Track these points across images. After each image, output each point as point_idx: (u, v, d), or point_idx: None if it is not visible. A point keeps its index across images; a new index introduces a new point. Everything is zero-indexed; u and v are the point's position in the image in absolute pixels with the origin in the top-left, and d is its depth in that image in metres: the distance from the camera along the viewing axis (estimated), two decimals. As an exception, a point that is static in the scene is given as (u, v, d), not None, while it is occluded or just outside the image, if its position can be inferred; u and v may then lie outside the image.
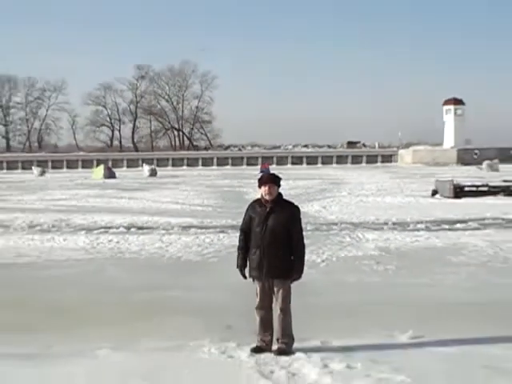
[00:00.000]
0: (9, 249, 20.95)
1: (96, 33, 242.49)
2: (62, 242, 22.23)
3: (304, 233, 10.04)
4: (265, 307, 9.77)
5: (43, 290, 15.01)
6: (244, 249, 9.94)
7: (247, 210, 10.09)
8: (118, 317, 12.21)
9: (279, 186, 9.92)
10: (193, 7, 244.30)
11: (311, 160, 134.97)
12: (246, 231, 9.96)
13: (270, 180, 9.89)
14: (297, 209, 9.96)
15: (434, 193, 39.63)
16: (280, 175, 10.47)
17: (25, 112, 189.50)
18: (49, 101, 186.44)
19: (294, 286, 9.80)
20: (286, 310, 9.63)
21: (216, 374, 8.71)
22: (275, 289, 9.71)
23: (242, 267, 9.94)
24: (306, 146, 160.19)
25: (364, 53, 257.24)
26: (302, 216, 10.13)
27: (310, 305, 11.46)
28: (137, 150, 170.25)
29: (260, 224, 9.75)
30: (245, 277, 9.93)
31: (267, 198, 9.78)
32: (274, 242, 9.63)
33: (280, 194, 9.92)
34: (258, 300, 9.82)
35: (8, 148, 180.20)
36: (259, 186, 9.94)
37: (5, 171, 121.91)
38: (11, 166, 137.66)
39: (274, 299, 9.74)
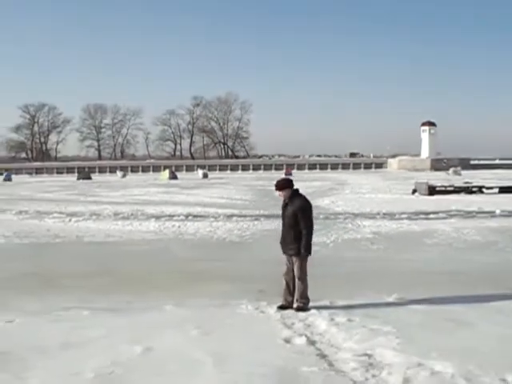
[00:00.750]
0: (100, 231, 21.13)
1: (163, 70, 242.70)
2: (138, 227, 22.38)
3: (316, 220, 10.14)
4: (289, 274, 9.87)
5: (125, 261, 15.18)
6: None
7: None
8: (178, 282, 12.32)
9: (286, 190, 10.01)
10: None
11: (322, 166, 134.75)
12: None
13: (277, 187, 10.15)
14: (304, 201, 9.98)
15: (414, 191, 39.54)
16: (292, 178, 10.62)
17: (111, 131, 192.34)
18: (129, 122, 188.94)
19: (310, 259, 9.86)
20: (302, 278, 9.71)
21: (251, 324, 8.82)
22: (293, 261, 9.81)
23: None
24: (318, 155, 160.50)
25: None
26: (314, 207, 10.22)
27: (321, 274, 11.46)
28: (193, 158, 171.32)
29: (282, 213, 9.98)
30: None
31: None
32: (288, 226, 9.81)
33: (295, 191, 10.02)
34: (285, 268, 9.94)
35: (99, 157, 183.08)
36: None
37: (97, 174, 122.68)
38: (101, 170, 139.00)
39: (293, 269, 9.84)
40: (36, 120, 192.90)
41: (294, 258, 9.83)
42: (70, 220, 24.94)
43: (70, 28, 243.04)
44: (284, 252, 9.98)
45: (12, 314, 9.39)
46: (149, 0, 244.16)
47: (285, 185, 10.07)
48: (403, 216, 24.91)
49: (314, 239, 10.17)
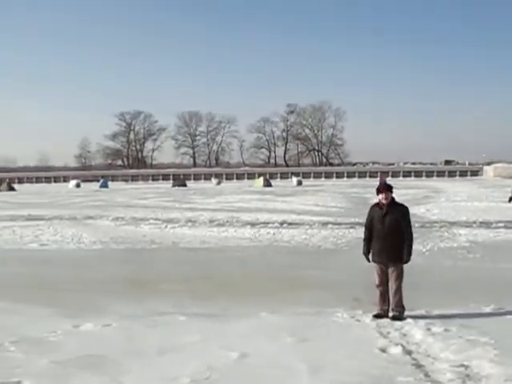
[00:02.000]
0: (196, 237, 21.35)
1: (257, 78, 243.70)
2: (233, 233, 22.51)
3: (412, 228, 9.96)
4: (382, 284, 9.74)
5: (220, 267, 15.29)
6: (368, 240, 9.93)
7: (369, 211, 10.10)
8: (273, 289, 12.32)
9: (392, 192, 9.86)
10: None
11: (417, 174, 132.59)
12: (368, 227, 9.96)
13: (385, 188, 9.88)
14: (406, 208, 9.89)
15: (511, 199, 38.51)
16: (392, 185, 10.44)
17: (206, 138, 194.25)
18: (223, 130, 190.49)
19: (405, 268, 9.72)
20: (398, 287, 9.58)
21: (347, 332, 8.70)
22: (390, 270, 9.67)
23: (366, 253, 9.96)
24: (413, 163, 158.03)
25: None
26: (410, 215, 10.06)
27: (417, 282, 11.29)
28: (287, 165, 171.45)
29: (379, 222, 9.74)
30: (368, 260, 9.95)
31: (384, 202, 9.78)
32: (390, 235, 9.60)
33: (393, 198, 9.89)
34: (377, 279, 9.81)
35: (194, 164, 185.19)
36: (377, 193, 9.95)
37: (192, 181, 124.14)
38: (196, 177, 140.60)
39: (390, 278, 9.72)
40: (132, 128, 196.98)
41: (393, 268, 9.70)
42: (166, 226, 25.33)
43: (168, 39, 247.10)
44: (379, 261, 9.85)
45: (109, 318, 9.59)
46: (219, 12, 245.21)
47: (390, 187, 9.99)
48: (500, 225, 24.23)
49: (410, 247, 10.04)
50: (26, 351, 7.85)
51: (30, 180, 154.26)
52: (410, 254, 9.65)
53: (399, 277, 9.66)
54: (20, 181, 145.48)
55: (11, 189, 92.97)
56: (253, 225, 25.40)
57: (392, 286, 9.68)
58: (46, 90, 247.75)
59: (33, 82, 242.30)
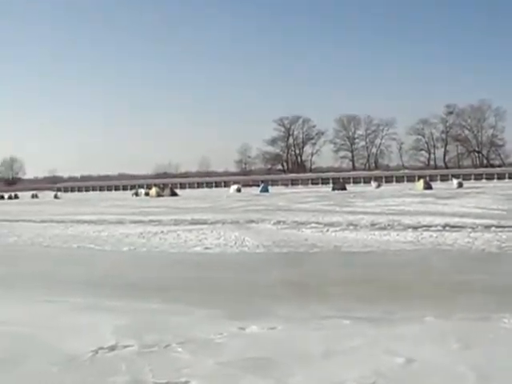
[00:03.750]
0: (357, 241, 21.16)
1: (414, 78, 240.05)
2: (395, 237, 22.13)
3: None
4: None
5: (382, 271, 15.08)
6: None
7: None
8: (437, 293, 11.97)
9: None
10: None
11: None
12: None
13: None
14: None
15: None
16: None
17: (365, 141, 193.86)
18: (382, 133, 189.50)
19: None
20: None
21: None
22: None
23: None
24: None
25: None
26: None
27: None
28: (447, 167, 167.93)
29: None
30: None
31: None
32: None
33: None
34: None
35: (353, 168, 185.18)
36: None
37: (351, 184, 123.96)
38: (356, 180, 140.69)
39: None
40: (291, 132, 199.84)
41: None
42: (327, 230, 25.28)
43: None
44: None
45: (274, 321, 9.63)
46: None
47: None
48: None
49: None
50: (192, 352, 8.01)
51: (191, 185, 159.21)
52: None
53: None
54: (182, 186, 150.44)
55: (174, 194, 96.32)
56: (414, 228, 24.86)
57: None
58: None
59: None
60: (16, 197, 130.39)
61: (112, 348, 8.24)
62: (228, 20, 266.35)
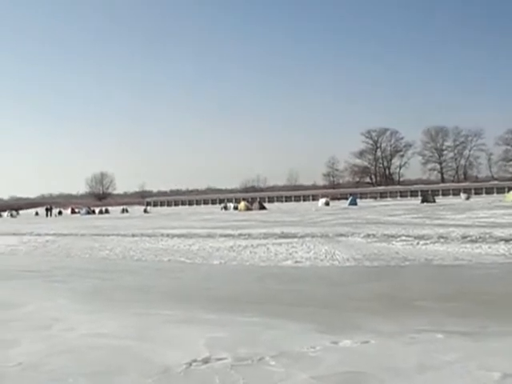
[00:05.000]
0: (448, 254, 20.74)
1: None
2: (487, 249, 21.60)
3: None
4: None
5: (475, 284, 14.72)
6: None
7: None
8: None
9: None
10: None
11: None
12: None
13: None
14: None
15: None
16: None
17: (453, 153, 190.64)
18: (471, 144, 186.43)
19: None
20: None
21: None
22: None
23: None
24: None
25: None
26: None
27: None
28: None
29: None
30: None
31: None
32: None
33: None
34: None
35: (442, 180, 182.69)
36: None
37: (440, 197, 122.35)
38: (445, 192, 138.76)
39: None
40: (379, 145, 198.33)
41: None
42: (417, 243, 24.90)
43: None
44: None
45: (367, 335, 9.56)
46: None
47: None
48: None
49: None
50: (286, 366, 8.03)
51: (279, 199, 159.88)
52: None
53: None
54: (270, 200, 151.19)
55: (262, 207, 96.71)
56: (507, 241, 24.19)
57: None
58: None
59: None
60: (107, 211, 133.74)
61: (205, 360, 8.34)
62: (328, 36, 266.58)
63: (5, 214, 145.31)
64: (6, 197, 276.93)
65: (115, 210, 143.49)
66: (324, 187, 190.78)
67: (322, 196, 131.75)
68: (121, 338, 9.99)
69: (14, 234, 44.95)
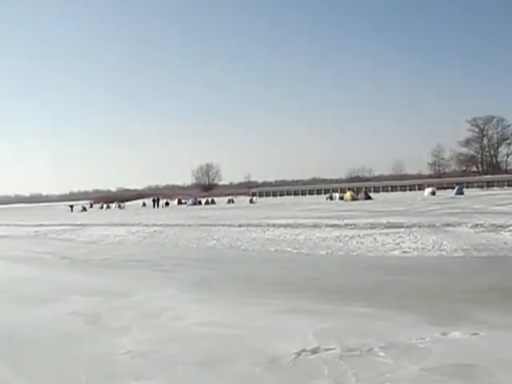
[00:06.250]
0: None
1: None
2: None
3: None
4: None
5: None
6: None
7: None
8: None
9: None
10: None
11: None
12: None
13: None
14: None
15: None
16: None
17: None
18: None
19: None
20: None
21: None
22: None
23: None
24: None
25: None
26: None
27: None
28: None
29: None
30: None
31: None
32: None
33: None
34: None
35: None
36: None
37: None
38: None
39: None
40: (485, 133, 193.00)
41: None
42: (526, 233, 24.29)
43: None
44: None
45: (476, 327, 9.45)
46: None
47: None
48: None
49: None
50: (395, 357, 8.05)
51: (385, 189, 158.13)
52: None
53: None
54: (375, 190, 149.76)
55: (368, 197, 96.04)
56: None
57: None
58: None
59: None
60: (213, 202, 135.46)
61: (314, 351, 8.46)
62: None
63: (113, 205, 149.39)
64: (114, 188, 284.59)
65: (221, 200, 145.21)
66: (430, 176, 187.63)
67: (428, 185, 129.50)
68: (229, 327, 10.23)
69: (123, 225, 46.33)
